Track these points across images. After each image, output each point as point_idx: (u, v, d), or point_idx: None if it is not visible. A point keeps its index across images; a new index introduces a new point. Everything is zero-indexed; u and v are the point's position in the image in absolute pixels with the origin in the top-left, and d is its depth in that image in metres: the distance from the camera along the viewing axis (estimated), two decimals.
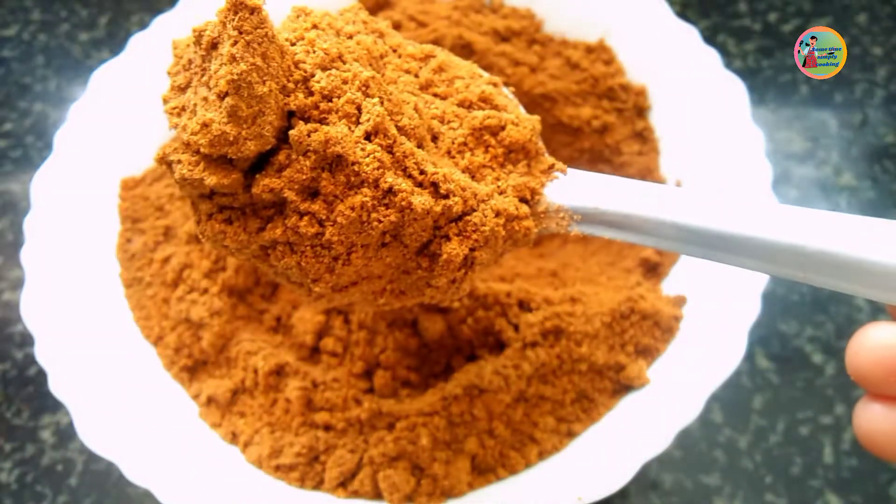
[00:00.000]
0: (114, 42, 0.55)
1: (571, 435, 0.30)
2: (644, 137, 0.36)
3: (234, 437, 0.30)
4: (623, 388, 0.30)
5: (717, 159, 0.33)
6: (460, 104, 0.25)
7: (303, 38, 0.21)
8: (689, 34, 0.34)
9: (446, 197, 0.22)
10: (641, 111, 0.37)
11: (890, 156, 0.47)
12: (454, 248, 0.22)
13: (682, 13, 0.50)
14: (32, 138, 0.50)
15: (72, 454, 0.38)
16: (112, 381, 0.30)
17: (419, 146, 0.22)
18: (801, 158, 0.47)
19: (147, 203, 0.35)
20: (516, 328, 0.31)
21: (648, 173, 0.36)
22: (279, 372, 0.31)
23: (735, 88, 0.32)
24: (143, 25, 0.38)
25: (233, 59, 0.18)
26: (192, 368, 0.32)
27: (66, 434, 0.38)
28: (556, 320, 0.34)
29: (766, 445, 0.37)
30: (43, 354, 0.28)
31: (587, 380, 0.30)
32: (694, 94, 0.34)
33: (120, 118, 0.35)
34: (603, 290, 0.34)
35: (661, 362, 0.31)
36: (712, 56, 0.33)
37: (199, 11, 0.38)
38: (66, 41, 0.55)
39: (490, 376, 0.29)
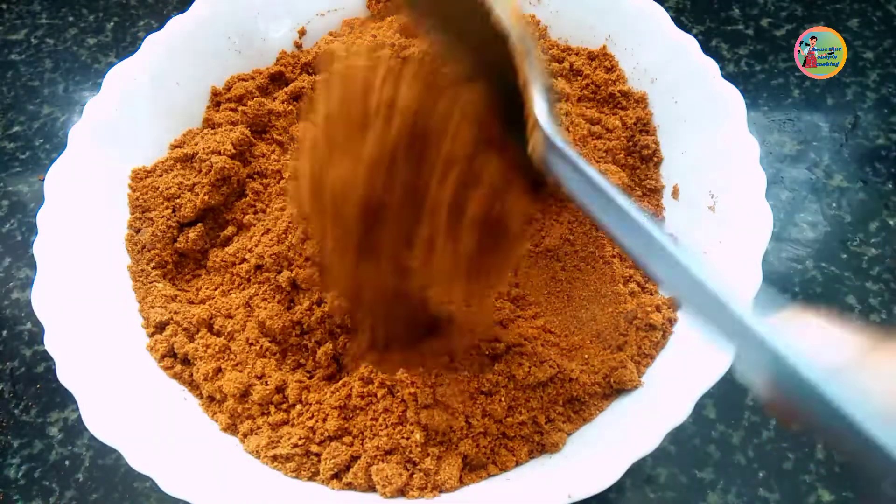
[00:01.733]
0: (120, 46, 0.56)
1: (563, 434, 0.30)
2: (644, 143, 0.37)
3: (233, 429, 0.31)
4: (615, 390, 0.31)
5: (713, 167, 0.34)
6: None
7: None
8: (689, 43, 0.35)
9: None
10: (641, 117, 0.37)
11: (881, 158, 0.48)
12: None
13: (677, 18, 0.51)
14: (40, 140, 0.51)
15: (79, 450, 0.38)
16: (118, 372, 0.31)
17: None
18: (794, 160, 0.48)
19: (156, 193, 0.35)
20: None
21: (648, 177, 0.37)
22: (279, 389, 0.32)
23: (733, 97, 0.33)
24: (149, 30, 0.39)
25: None
26: (187, 364, 0.33)
27: (74, 430, 0.39)
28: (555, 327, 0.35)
29: (759, 441, 0.37)
30: (52, 343, 0.29)
31: (579, 385, 0.31)
32: (693, 101, 0.35)
33: (133, 115, 0.36)
34: (602, 299, 0.34)
35: (653, 365, 0.32)
36: (711, 65, 0.34)
37: (210, 12, 0.39)
38: (74, 45, 0.56)
39: (488, 383, 0.30)
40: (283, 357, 0.33)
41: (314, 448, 0.30)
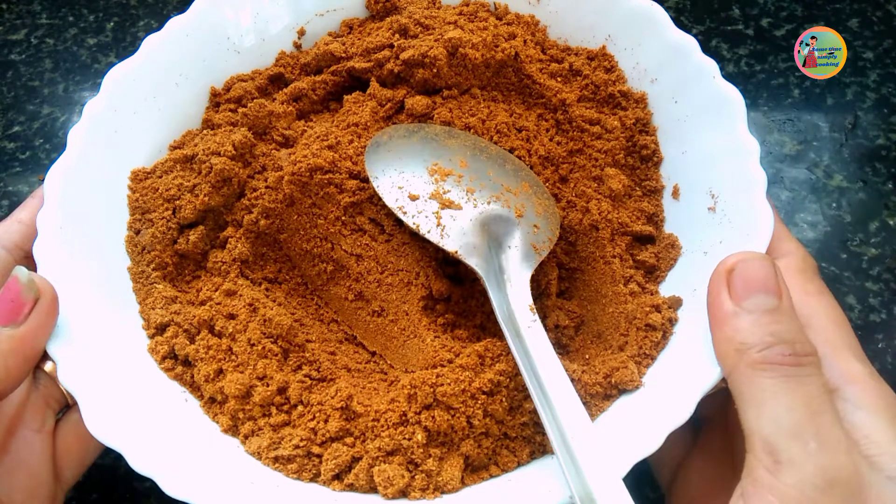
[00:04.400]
0: (120, 46, 0.56)
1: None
2: (644, 143, 0.37)
3: (234, 430, 0.31)
4: (616, 391, 0.31)
5: (713, 167, 0.34)
6: None
7: None
8: (689, 43, 0.35)
9: None
10: (641, 117, 0.37)
11: (881, 158, 0.48)
12: None
13: (677, 18, 0.51)
14: (40, 140, 0.51)
15: None
16: (119, 373, 0.31)
17: None
18: (793, 160, 0.48)
19: (156, 194, 0.35)
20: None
21: (647, 178, 0.37)
22: (281, 390, 0.32)
23: (733, 97, 0.33)
24: (149, 30, 0.39)
25: None
26: (188, 365, 0.33)
27: None
28: (555, 332, 0.35)
29: None
30: (52, 345, 0.29)
31: (580, 386, 0.31)
32: (693, 101, 0.35)
33: (132, 116, 0.36)
34: (602, 299, 0.35)
35: (654, 365, 0.32)
36: (711, 65, 0.34)
37: (209, 13, 0.39)
38: (74, 45, 0.56)
39: (490, 384, 0.30)
40: (285, 358, 0.33)
41: (315, 449, 0.30)
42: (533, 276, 0.33)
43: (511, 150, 0.37)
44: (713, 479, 0.26)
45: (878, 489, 0.24)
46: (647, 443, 0.27)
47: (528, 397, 0.30)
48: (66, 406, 0.33)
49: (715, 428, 0.30)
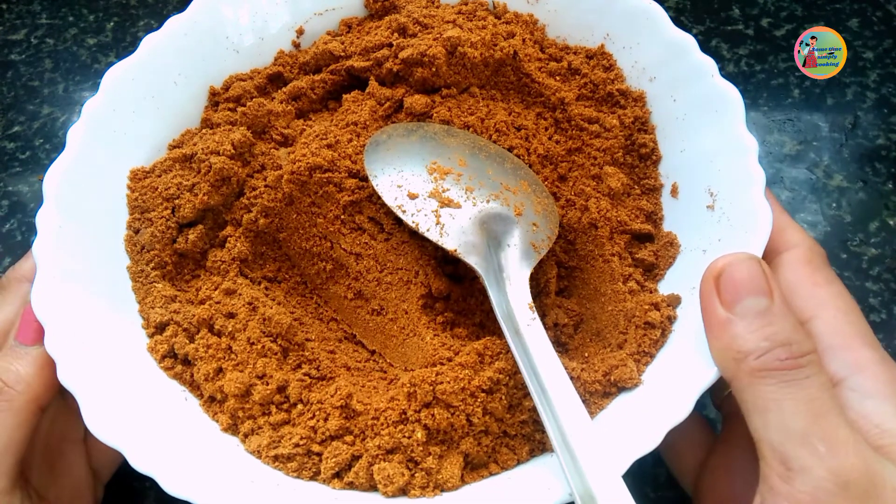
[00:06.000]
0: (120, 46, 0.56)
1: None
2: (642, 141, 0.37)
3: (234, 429, 0.31)
4: (616, 389, 0.31)
5: (712, 165, 0.34)
6: None
7: None
8: (687, 41, 0.35)
9: None
10: (640, 116, 0.37)
11: (881, 158, 0.48)
12: None
13: (677, 18, 0.51)
14: (40, 140, 0.51)
15: None
16: (119, 372, 0.31)
17: None
18: (793, 160, 0.48)
19: (155, 193, 0.35)
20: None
21: (646, 176, 0.37)
22: (281, 389, 0.32)
23: (731, 95, 0.33)
24: (149, 30, 0.39)
25: None
26: (187, 364, 0.33)
27: None
28: (555, 330, 0.35)
29: None
30: (52, 344, 0.29)
31: (579, 384, 0.31)
32: (691, 100, 0.35)
33: (130, 115, 0.36)
34: (601, 297, 0.35)
35: (653, 363, 0.32)
36: (710, 63, 0.34)
37: (208, 12, 0.39)
38: (74, 45, 0.56)
39: (489, 381, 0.30)
40: (285, 357, 0.33)
41: (315, 447, 0.30)
42: (532, 275, 0.33)
43: (510, 149, 0.37)
44: (742, 472, 0.26)
45: (894, 481, 0.23)
46: (647, 440, 0.27)
47: (527, 395, 0.30)
48: None
49: (737, 422, 0.30)
